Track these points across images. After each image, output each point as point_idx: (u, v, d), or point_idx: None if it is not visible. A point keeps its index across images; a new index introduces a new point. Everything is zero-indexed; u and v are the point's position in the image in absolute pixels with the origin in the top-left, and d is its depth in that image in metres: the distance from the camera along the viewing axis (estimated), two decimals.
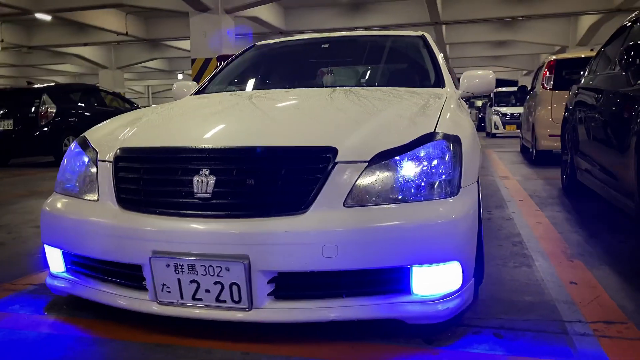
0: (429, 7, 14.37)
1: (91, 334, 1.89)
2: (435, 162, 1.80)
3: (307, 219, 1.69)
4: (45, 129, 8.69)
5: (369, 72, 3.30)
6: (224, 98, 2.71)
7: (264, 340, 1.78)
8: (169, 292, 1.77)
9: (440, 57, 3.14)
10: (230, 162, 1.79)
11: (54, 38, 20.53)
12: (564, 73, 7.15)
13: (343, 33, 3.70)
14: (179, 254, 1.73)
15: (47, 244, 2.11)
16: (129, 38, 19.11)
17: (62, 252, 2.06)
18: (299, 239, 1.67)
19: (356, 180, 1.73)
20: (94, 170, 2.01)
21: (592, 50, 8.77)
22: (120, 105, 10.65)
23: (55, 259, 2.09)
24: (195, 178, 1.77)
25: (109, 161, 1.96)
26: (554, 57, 7.79)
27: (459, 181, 1.81)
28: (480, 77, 2.93)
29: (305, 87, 3.05)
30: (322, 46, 3.43)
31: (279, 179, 1.74)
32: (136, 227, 1.80)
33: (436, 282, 1.74)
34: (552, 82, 7.20)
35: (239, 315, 1.73)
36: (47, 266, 2.17)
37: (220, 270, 1.70)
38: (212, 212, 1.75)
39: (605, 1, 15.21)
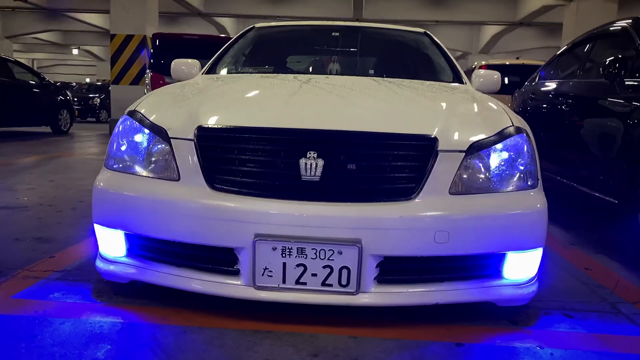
0: (355, 7, 14.71)
1: (171, 322, 1.78)
2: (520, 154, 1.91)
3: (418, 205, 1.73)
4: None
5: (390, 64, 3.35)
6: (273, 79, 2.59)
7: (364, 324, 1.79)
8: (270, 276, 1.72)
9: (449, 54, 3.28)
10: (340, 145, 1.76)
11: None
12: None
13: (348, 23, 3.72)
14: (287, 237, 1.69)
15: (101, 225, 1.93)
16: (27, 5, 17.39)
17: (126, 235, 1.90)
18: (413, 224, 1.70)
19: (457, 169, 1.79)
20: (165, 148, 1.88)
21: (517, 58, 9.53)
22: (30, 78, 9.72)
23: (113, 242, 1.93)
24: (302, 161, 1.73)
25: (187, 139, 1.84)
26: (484, 62, 8.37)
27: (536, 173, 1.95)
28: (485, 77, 3.10)
29: (327, 74, 3.05)
30: (333, 34, 3.42)
31: (387, 165, 1.76)
32: (236, 209, 1.72)
33: (523, 267, 1.86)
34: None
35: (346, 299, 1.73)
36: (93, 249, 1.99)
37: (332, 254, 1.68)
38: (322, 196, 1.72)
39: (510, 14, 16.51)
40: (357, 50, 3.45)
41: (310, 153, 1.73)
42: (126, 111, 2.14)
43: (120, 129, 2.04)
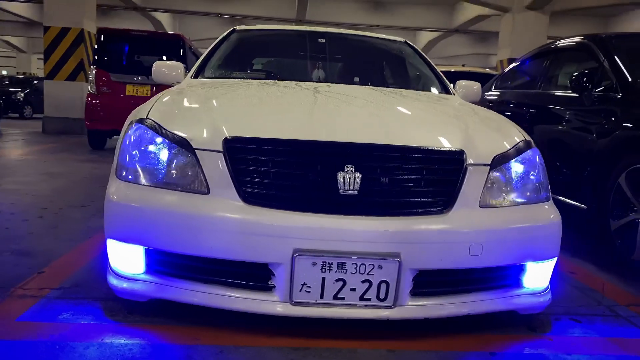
0: (298, 8, 14.72)
1: (203, 342, 1.70)
2: (535, 167, 2.00)
3: (453, 219, 1.76)
4: None
5: (375, 72, 3.37)
6: (278, 87, 2.54)
7: (399, 337, 1.80)
8: (308, 291, 1.69)
9: (432, 63, 3.36)
10: (377, 159, 1.76)
11: None
12: None
13: (331, 30, 3.70)
14: (327, 252, 1.67)
15: (117, 240, 1.82)
16: None
17: (146, 251, 1.80)
18: (450, 238, 1.73)
19: (485, 183, 1.85)
20: (190, 159, 1.80)
21: (463, 65, 9.90)
22: None
23: (130, 259, 1.82)
24: (340, 174, 1.71)
25: (215, 151, 1.77)
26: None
27: (548, 185, 2.04)
28: (466, 88, 3.20)
29: (312, 80, 3.04)
30: (319, 40, 3.40)
31: (422, 178, 1.78)
32: (273, 224, 1.68)
33: (541, 276, 1.94)
34: None
35: (384, 313, 1.73)
36: (103, 266, 1.87)
37: (372, 269, 1.68)
38: (360, 210, 1.72)
39: (446, 21, 17.13)
40: (340, 57, 3.47)
41: (347, 166, 1.72)
42: (134, 119, 2.03)
43: (132, 138, 1.93)
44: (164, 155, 1.85)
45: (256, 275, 1.75)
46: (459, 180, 1.80)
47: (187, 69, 8.10)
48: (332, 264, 1.67)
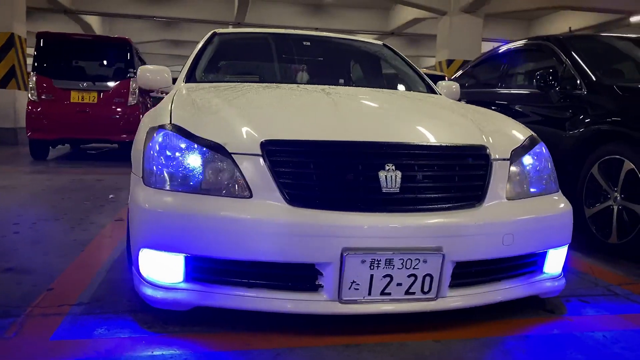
0: (238, 10, 14.59)
1: (255, 346, 1.69)
2: (545, 160, 2.14)
3: (487, 211, 1.85)
4: None
5: (360, 73, 3.44)
6: (285, 89, 2.55)
7: (440, 327, 1.87)
8: (357, 289, 1.73)
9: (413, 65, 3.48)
10: (415, 157, 1.83)
11: None
12: None
13: (314, 33, 3.73)
14: (375, 249, 1.71)
15: (153, 249, 1.78)
16: None
17: (186, 258, 1.76)
18: (486, 230, 1.82)
19: (507, 176, 1.96)
20: (227, 164, 1.79)
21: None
22: None
23: (168, 267, 1.78)
24: (382, 173, 1.76)
25: (254, 154, 1.77)
26: None
27: (556, 177, 2.18)
28: (447, 87, 3.34)
29: (299, 82, 3.08)
30: (304, 43, 3.42)
31: (456, 174, 1.86)
32: (321, 224, 1.70)
33: (557, 261, 2.08)
34: None
35: (428, 306, 1.79)
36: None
37: (418, 263, 1.74)
38: (402, 207, 1.77)
39: (382, 24, 17.57)
40: (325, 60, 3.51)
41: (388, 165, 1.77)
42: (154, 125, 1.98)
43: (159, 144, 1.89)
44: (198, 161, 1.82)
45: (302, 276, 1.76)
46: (487, 175, 1.90)
47: (136, 74, 7.90)
48: (380, 260, 1.71)
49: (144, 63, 8.95)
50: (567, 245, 2.09)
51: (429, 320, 1.89)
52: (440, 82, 3.39)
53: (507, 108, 4.30)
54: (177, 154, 1.85)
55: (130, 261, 2.09)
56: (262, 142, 1.79)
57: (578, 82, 3.54)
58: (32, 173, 6.09)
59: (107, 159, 8.13)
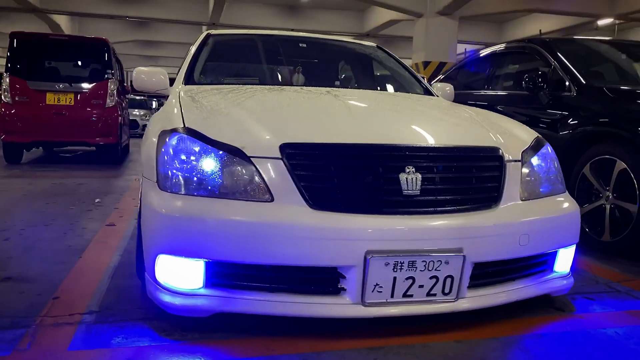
0: (213, 11, 14.45)
1: (279, 352, 1.68)
2: (552, 161, 2.18)
3: (504, 212, 1.88)
4: None
5: (356, 75, 3.44)
6: (291, 92, 2.54)
7: (458, 328, 1.88)
8: (380, 292, 1.73)
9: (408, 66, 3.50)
10: (433, 160, 1.84)
11: None
12: None
13: (304, 34, 3.71)
14: (398, 252, 1.71)
15: (173, 255, 1.74)
16: None
17: (206, 264, 1.74)
18: (504, 230, 1.85)
19: (520, 177, 1.99)
20: (246, 167, 1.77)
21: None
22: None
23: (188, 273, 1.75)
24: (403, 175, 1.77)
25: (273, 158, 1.76)
26: None
27: (562, 177, 2.23)
28: (442, 89, 3.38)
29: (297, 84, 3.07)
30: (300, 45, 3.41)
31: (473, 176, 1.88)
32: (344, 227, 1.69)
33: (566, 260, 2.12)
34: None
35: (448, 307, 1.81)
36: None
37: (440, 264, 1.75)
38: (423, 209, 1.78)
39: (358, 26, 17.66)
40: (321, 62, 3.51)
41: (408, 168, 1.78)
42: (166, 128, 1.95)
43: (173, 148, 1.85)
44: (215, 164, 1.80)
45: (324, 280, 1.75)
46: (502, 176, 1.92)
47: (114, 75, 7.75)
48: (403, 263, 1.71)
49: (120, 64, 8.79)
50: (575, 245, 2.13)
51: (447, 320, 1.91)
52: (435, 83, 3.42)
53: (495, 110, 4.37)
54: (193, 157, 1.82)
55: (140, 268, 2.06)
56: (281, 146, 1.78)
57: (567, 84, 3.62)
58: (9, 177, 5.91)
59: (83, 162, 7.94)
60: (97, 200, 4.44)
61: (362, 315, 1.74)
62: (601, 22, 15.06)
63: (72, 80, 7.36)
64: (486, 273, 1.90)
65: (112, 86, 7.44)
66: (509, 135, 2.15)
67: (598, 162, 3.20)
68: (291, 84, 3.22)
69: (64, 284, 2.26)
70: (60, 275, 2.39)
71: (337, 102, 2.28)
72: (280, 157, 1.76)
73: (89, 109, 7.28)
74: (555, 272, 2.09)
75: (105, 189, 5.15)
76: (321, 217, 1.70)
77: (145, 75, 2.93)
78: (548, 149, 2.19)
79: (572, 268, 2.18)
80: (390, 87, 3.32)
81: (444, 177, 1.84)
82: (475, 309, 1.87)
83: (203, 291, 1.76)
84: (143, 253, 1.91)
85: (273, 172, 1.75)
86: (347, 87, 3.27)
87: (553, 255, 2.06)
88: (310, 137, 1.83)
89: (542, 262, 2.05)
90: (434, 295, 1.78)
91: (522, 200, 1.96)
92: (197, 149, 1.83)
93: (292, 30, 16.96)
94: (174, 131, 1.90)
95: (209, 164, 1.80)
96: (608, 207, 3.11)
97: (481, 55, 5.07)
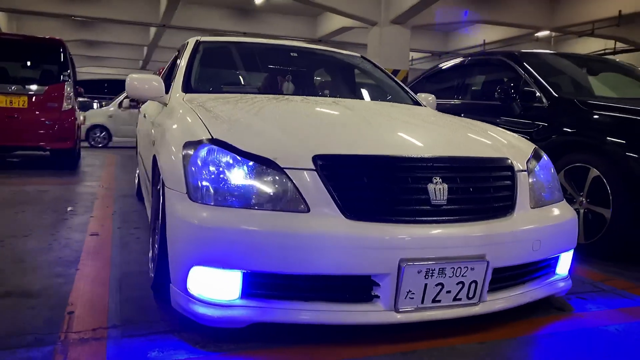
0: (165, 12, 14.15)
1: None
2: (551, 171, 2.33)
3: (519, 220, 2.00)
4: None
5: (345, 85, 3.51)
6: (298, 102, 2.58)
7: (479, 330, 1.98)
8: (412, 298, 1.80)
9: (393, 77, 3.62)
10: (457, 170, 1.93)
11: None
12: None
13: (295, 43, 3.74)
14: (429, 259, 1.79)
15: (208, 266, 1.75)
16: None
17: (243, 274, 1.75)
18: (521, 237, 1.97)
19: (528, 186, 2.12)
20: (281, 178, 1.80)
21: None
22: None
23: (224, 284, 1.76)
24: (431, 186, 1.86)
25: (307, 169, 1.80)
26: None
27: (560, 186, 2.39)
28: (425, 99, 3.52)
29: (286, 93, 3.14)
30: (292, 54, 3.45)
31: (491, 185, 1.99)
32: (379, 236, 1.76)
33: (566, 263, 2.28)
34: None
35: (471, 310, 1.91)
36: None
37: (467, 270, 1.84)
38: (450, 217, 1.87)
39: (310, 31, 17.78)
40: (306, 71, 3.56)
41: (436, 178, 1.87)
42: (191, 139, 1.95)
43: (203, 159, 1.86)
44: (248, 176, 1.82)
45: (357, 288, 1.81)
46: (514, 186, 2.05)
47: (70, 77, 7.47)
48: (434, 269, 1.80)
49: (74, 66, 8.46)
50: (573, 249, 2.29)
51: (465, 323, 2.01)
52: (420, 94, 3.55)
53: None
54: (225, 169, 1.83)
55: (159, 281, 2.04)
56: (314, 157, 1.82)
57: (537, 95, 3.85)
58: None
59: (35, 167, 7.58)
60: (69, 209, 4.28)
61: (395, 321, 1.80)
62: (540, 34, 15.90)
63: (26, 82, 7.03)
64: (502, 277, 2.01)
65: (68, 89, 7.16)
66: (511, 146, 2.28)
67: (572, 169, 3.43)
68: (282, 92, 3.25)
69: (72, 298, 2.20)
70: (64, 288, 2.32)
71: (351, 113, 2.34)
72: (313, 168, 1.80)
73: (44, 112, 6.97)
74: (557, 274, 2.24)
75: (71, 197, 4.97)
76: (356, 226, 1.76)
77: (137, 82, 2.88)
78: (546, 159, 2.35)
79: (570, 270, 2.34)
80: (383, 97, 3.41)
81: (466, 187, 1.94)
82: (494, 312, 1.97)
83: (239, 302, 1.77)
84: (169, 266, 1.90)
85: (308, 183, 1.79)
86: (345, 97, 3.34)
87: (556, 258, 2.21)
88: (340, 148, 1.89)
89: (547, 266, 2.19)
90: (460, 299, 1.87)
91: (531, 208, 2.09)
92: (228, 160, 1.84)
93: (245, 34, 16.92)
94: (202, 142, 1.90)
95: (242, 175, 1.82)
96: (582, 211, 3.33)
97: (449, 65, 5.28)
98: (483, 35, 17.23)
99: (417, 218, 1.83)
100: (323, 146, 1.88)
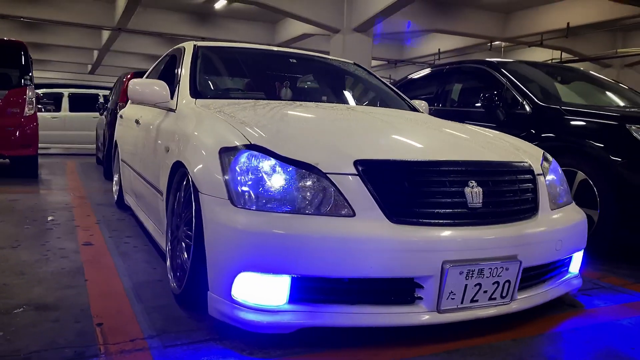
0: (123, 15, 13.77)
1: None
2: (560, 174, 2.45)
3: (543, 221, 2.10)
4: None
5: (354, 91, 3.55)
6: (314, 107, 2.60)
7: (510, 327, 2.05)
8: (453, 299, 1.86)
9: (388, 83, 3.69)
10: (490, 175, 2.01)
11: None
12: None
13: (292, 50, 3.74)
14: (469, 261, 1.85)
15: (256, 272, 1.74)
16: None
17: (292, 279, 1.75)
18: (547, 237, 2.07)
19: (546, 189, 2.23)
20: (324, 184, 1.82)
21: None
22: None
23: (272, 290, 1.76)
24: (467, 190, 1.92)
25: (350, 174, 1.83)
26: None
27: (569, 189, 2.51)
28: (418, 106, 3.61)
29: (284, 99, 3.17)
30: (291, 60, 3.45)
31: (517, 188, 2.08)
32: (422, 239, 1.80)
33: (578, 262, 2.40)
34: None
35: (505, 309, 1.98)
36: (226, 304, 1.77)
37: (502, 270, 1.92)
38: (485, 220, 1.94)
39: (269, 37, 17.75)
40: (302, 77, 3.58)
41: (471, 182, 1.93)
42: (227, 145, 1.94)
43: (244, 165, 1.85)
44: (291, 181, 1.82)
45: (401, 290, 1.85)
46: (536, 188, 2.15)
47: (31, 81, 7.18)
48: (474, 270, 1.86)
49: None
50: (584, 248, 2.41)
51: (492, 322, 2.08)
52: (413, 101, 3.64)
53: None
54: (267, 174, 1.83)
55: (193, 288, 2.01)
56: (355, 162, 1.85)
57: (520, 102, 4.03)
58: None
59: None
60: (50, 219, 4.11)
61: (438, 321, 1.85)
62: (494, 44, 16.53)
63: None
64: (529, 277, 2.10)
65: (30, 93, 6.87)
66: (524, 151, 2.38)
67: None
68: (280, 98, 3.26)
69: (94, 309, 2.12)
70: (80, 299, 2.24)
71: (372, 119, 2.38)
72: (356, 173, 1.83)
73: (5, 118, 6.65)
74: (570, 272, 2.36)
75: (45, 206, 4.76)
76: (401, 230, 1.80)
77: (140, 87, 2.83)
78: (554, 163, 2.47)
79: (580, 268, 2.46)
80: (385, 104, 3.47)
81: (497, 190, 2.01)
82: (523, 310, 2.05)
83: (287, 307, 1.77)
84: (208, 273, 1.87)
85: (352, 187, 1.81)
86: (349, 103, 3.38)
87: (570, 258, 2.33)
88: (378, 153, 1.93)
89: (562, 265, 2.30)
90: (495, 299, 1.94)
91: (552, 209, 2.20)
92: (270, 165, 1.84)
93: (203, 39, 16.69)
94: (239, 148, 1.89)
95: (285, 181, 1.82)
96: None
97: (429, 73, 5.43)
98: (439, 44, 17.72)
99: (456, 221, 1.88)
100: (362, 151, 1.91)
